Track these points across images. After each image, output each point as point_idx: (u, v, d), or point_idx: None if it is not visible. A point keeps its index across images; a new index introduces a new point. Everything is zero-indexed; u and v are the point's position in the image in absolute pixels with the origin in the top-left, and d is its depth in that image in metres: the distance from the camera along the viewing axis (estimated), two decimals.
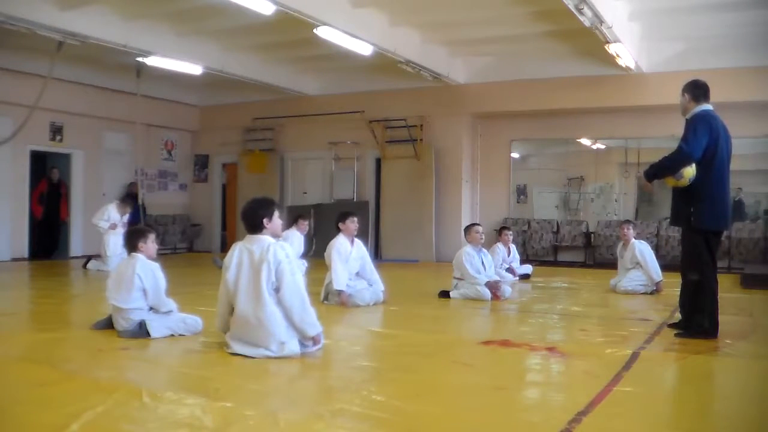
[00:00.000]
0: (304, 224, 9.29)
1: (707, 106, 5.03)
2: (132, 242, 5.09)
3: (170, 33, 10.29)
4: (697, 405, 3.56)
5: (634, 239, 8.10)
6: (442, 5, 9.31)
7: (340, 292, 6.70)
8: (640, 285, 7.81)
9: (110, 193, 12.77)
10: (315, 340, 4.34)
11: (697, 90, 5.05)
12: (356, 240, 7.03)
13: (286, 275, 4.26)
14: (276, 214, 4.49)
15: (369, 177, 13.60)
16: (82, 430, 2.85)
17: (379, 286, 6.97)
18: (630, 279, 7.88)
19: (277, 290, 4.25)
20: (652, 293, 7.74)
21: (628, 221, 8.52)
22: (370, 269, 7.03)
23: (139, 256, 5.03)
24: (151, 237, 5.18)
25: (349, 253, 6.88)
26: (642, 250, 7.94)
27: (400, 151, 12.87)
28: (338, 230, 7.00)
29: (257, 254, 4.30)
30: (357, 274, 6.97)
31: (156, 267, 5.04)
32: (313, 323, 4.34)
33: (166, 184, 14.97)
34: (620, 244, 8.32)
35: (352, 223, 6.95)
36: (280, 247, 4.35)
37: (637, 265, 7.90)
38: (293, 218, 9.52)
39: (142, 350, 4.55)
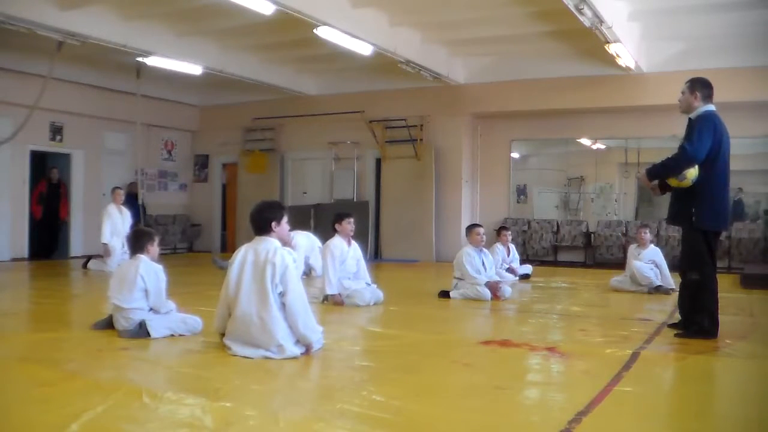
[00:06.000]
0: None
1: (712, 107, 5.03)
2: (141, 243, 5.10)
3: (170, 33, 10.29)
4: (697, 405, 3.56)
5: (651, 244, 8.17)
6: (442, 5, 9.31)
7: (332, 296, 6.73)
8: (656, 276, 7.82)
9: (110, 193, 12.75)
10: (309, 348, 4.34)
11: (707, 90, 5.03)
12: (353, 241, 7.05)
13: (293, 281, 4.27)
14: (285, 219, 4.49)
15: (369, 177, 13.60)
16: (82, 430, 2.85)
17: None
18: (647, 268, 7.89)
19: (282, 295, 4.26)
20: (650, 292, 7.76)
21: (645, 225, 8.52)
22: (364, 270, 7.07)
23: (143, 257, 5.03)
24: (157, 239, 5.22)
25: (346, 254, 6.90)
26: (660, 255, 8.03)
27: (400, 151, 12.87)
28: (335, 231, 7.02)
29: (262, 255, 4.30)
30: (354, 274, 6.99)
31: (159, 269, 5.06)
32: (314, 329, 4.38)
33: (166, 184, 14.97)
34: (633, 246, 8.31)
35: (348, 224, 6.97)
36: (287, 252, 4.36)
37: (655, 265, 7.94)
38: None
39: (142, 350, 4.55)
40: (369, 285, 6.99)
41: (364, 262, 7.15)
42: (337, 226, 7.00)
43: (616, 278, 8.20)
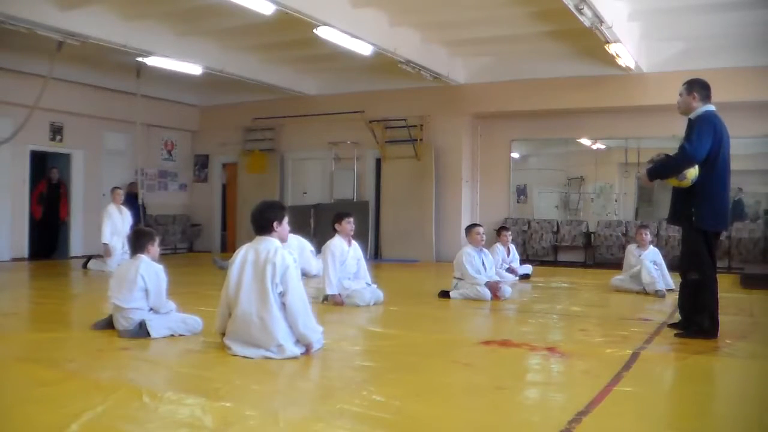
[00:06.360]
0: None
1: (711, 107, 5.03)
2: (141, 243, 5.11)
3: (170, 33, 10.29)
4: (697, 405, 3.56)
5: (651, 245, 8.17)
6: (442, 5, 9.30)
7: (332, 296, 6.74)
8: (659, 277, 7.79)
9: (110, 193, 12.75)
10: (309, 347, 4.34)
11: (705, 90, 5.04)
12: (353, 241, 7.05)
13: (293, 281, 4.28)
14: (286, 219, 4.50)
15: (369, 177, 13.60)
16: (82, 430, 2.85)
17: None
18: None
19: (282, 295, 4.26)
20: (648, 293, 7.74)
21: (645, 226, 8.54)
22: (364, 270, 7.08)
23: (144, 257, 5.04)
24: (158, 239, 5.23)
25: (346, 253, 6.90)
26: (659, 256, 8.06)
27: (400, 151, 12.87)
28: (335, 231, 7.02)
29: (263, 255, 4.30)
30: (355, 274, 7.00)
31: (160, 269, 5.06)
32: (314, 329, 4.39)
33: (166, 184, 14.97)
34: (633, 246, 8.29)
35: (348, 224, 6.98)
36: (288, 252, 4.36)
37: (655, 265, 7.94)
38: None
39: (142, 350, 4.55)
40: (369, 285, 6.99)
41: (364, 262, 7.16)
42: (336, 225, 7.00)
43: (618, 277, 8.17)
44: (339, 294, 6.76)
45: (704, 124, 4.90)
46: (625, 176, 12.67)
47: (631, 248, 8.27)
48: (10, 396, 3.46)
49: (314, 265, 7.95)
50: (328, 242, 6.96)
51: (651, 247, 8.14)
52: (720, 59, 10.05)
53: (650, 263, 7.86)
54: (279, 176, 14.32)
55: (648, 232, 8.21)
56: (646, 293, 7.70)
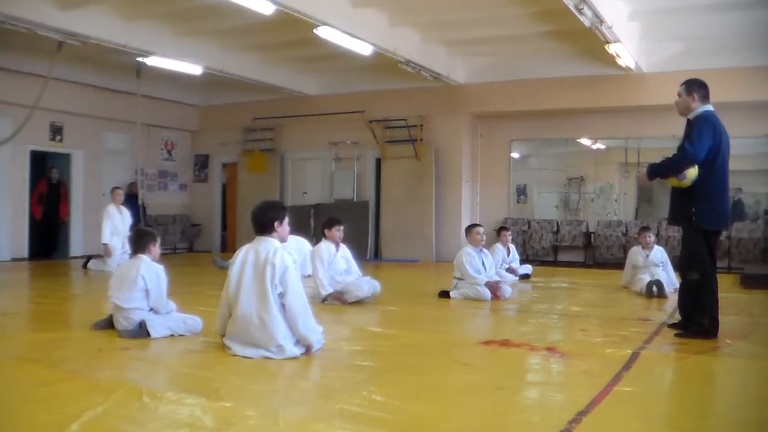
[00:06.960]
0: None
1: (710, 107, 5.05)
2: (143, 243, 5.11)
3: (170, 33, 10.30)
4: (697, 405, 3.56)
5: (655, 245, 8.20)
6: (442, 5, 9.31)
7: (329, 295, 6.81)
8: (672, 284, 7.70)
9: (110, 193, 12.75)
10: (309, 348, 4.35)
11: (704, 90, 5.05)
12: (341, 244, 7.17)
13: (292, 281, 4.28)
14: (286, 219, 4.51)
15: (369, 177, 13.60)
16: (82, 430, 2.85)
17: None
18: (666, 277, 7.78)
19: (281, 295, 4.26)
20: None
21: (647, 228, 8.57)
22: (354, 267, 7.20)
23: (144, 258, 5.04)
24: (159, 240, 5.24)
25: (334, 255, 7.04)
26: (665, 254, 8.10)
27: (400, 151, 12.87)
28: (324, 236, 7.14)
29: (263, 255, 4.31)
30: (345, 270, 7.12)
31: (160, 269, 5.07)
32: (314, 329, 4.39)
33: (166, 184, 14.98)
34: (638, 247, 8.24)
35: (338, 231, 7.12)
36: (288, 253, 4.37)
37: (662, 264, 7.96)
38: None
39: (142, 350, 4.55)
40: (362, 277, 7.13)
41: (353, 261, 7.28)
42: (326, 231, 7.16)
43: (643, 276, 7.90)
44: (335, 290, 6.84)
45: (704, 124, 4.91)
46: (625, 176, 12.67)
47: (637, 250, 8.20)
48: (10, 396, 3.46)
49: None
50: (317, 246, 7.13)
51: (656, 247, 8.14)
52: (720, 59, 10.05)
53: (659, 269, 7.88)
54: (279, 176, 14.32)
55: (651, 234, 8.19)
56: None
